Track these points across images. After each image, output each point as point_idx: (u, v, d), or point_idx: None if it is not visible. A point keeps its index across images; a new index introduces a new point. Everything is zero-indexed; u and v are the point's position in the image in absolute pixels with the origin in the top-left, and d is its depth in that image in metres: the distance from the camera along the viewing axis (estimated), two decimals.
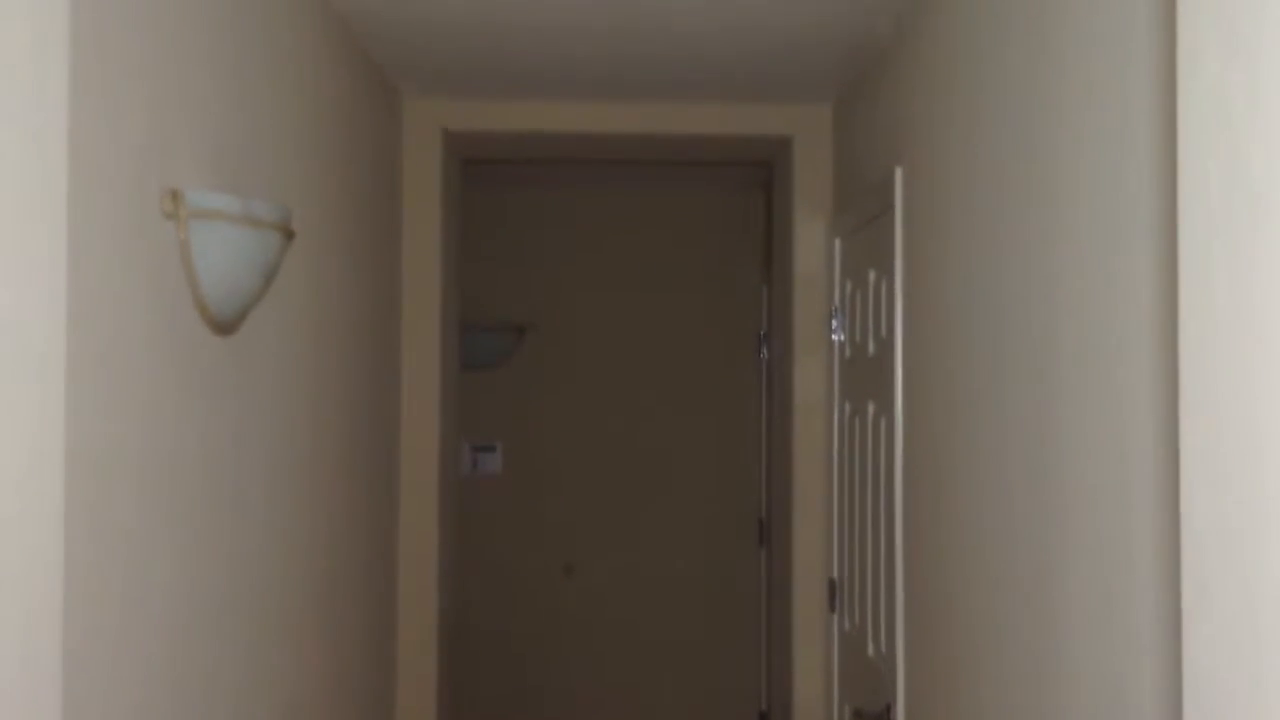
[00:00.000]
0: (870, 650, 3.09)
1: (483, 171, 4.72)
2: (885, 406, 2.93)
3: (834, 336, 3.57)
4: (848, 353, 3.45)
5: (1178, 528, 0.80)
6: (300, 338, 2.52)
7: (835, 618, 3.55)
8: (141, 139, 1.69)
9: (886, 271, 2.92)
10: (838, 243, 3.56)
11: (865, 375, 3.20)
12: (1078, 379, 1.73)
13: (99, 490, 1.56)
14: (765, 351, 5.04)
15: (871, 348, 3.13)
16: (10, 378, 1.28)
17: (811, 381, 3.72)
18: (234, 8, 2.10)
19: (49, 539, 1.39)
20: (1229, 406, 0.72)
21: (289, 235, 2.01)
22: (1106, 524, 1.62)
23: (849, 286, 3.43)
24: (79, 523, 1.48)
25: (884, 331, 2.97)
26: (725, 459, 5.40)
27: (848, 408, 3.42)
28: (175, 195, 1.76)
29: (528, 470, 5.46)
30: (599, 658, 5.43)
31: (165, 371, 1.78)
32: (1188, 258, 0.77)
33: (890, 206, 2.86)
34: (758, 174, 4.87)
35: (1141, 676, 1.51)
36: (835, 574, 3.54)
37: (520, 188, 5.42)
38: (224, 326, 1.98)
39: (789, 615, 3.78)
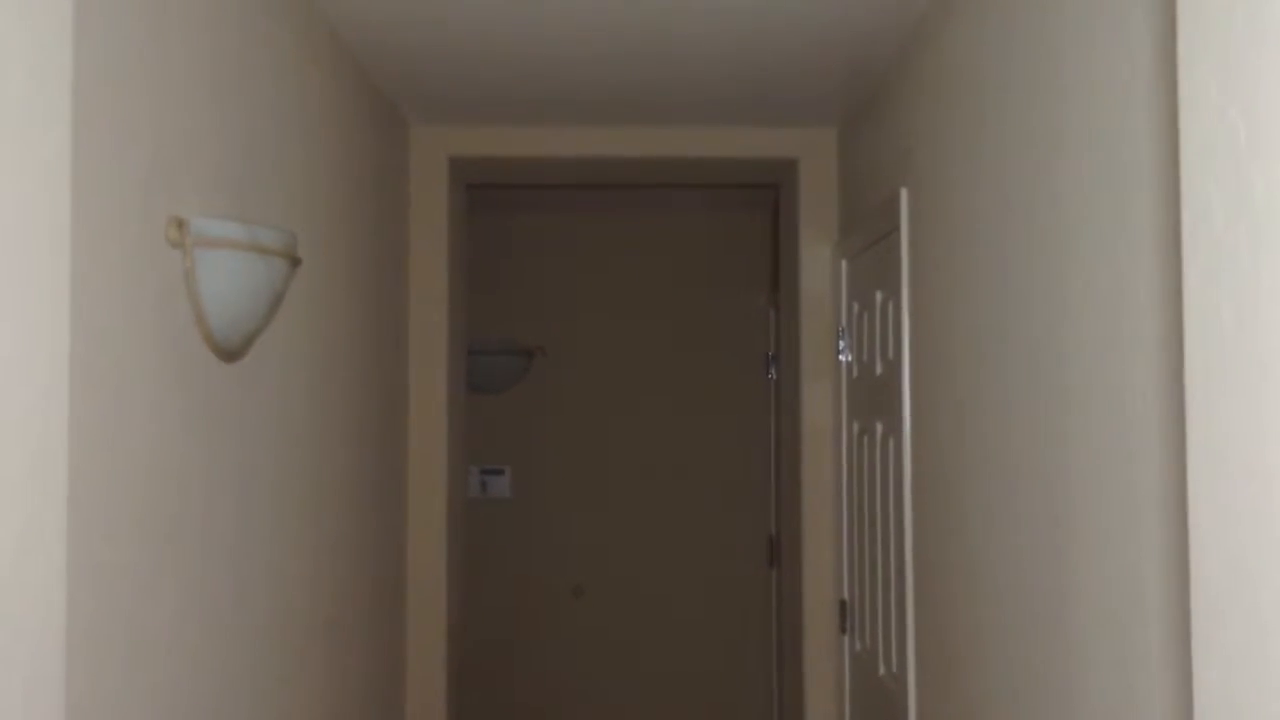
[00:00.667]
0: (881, 671, 3.08)
1: (490, 196, 4.73)
2: (893, 426, 2.92)
3: (841, 357, 3.57)
4: (855, 373, 3.45)
5: (1187, 545, 0.79)
6: (306, 363, 2.52)
7: (846, 638, 3.54)
8: (146, 168, 1.70)
9: (893, 292, 2.92)
10: (844, 264, 3.56)
11: (873, 395, 3.20)
12: (1087, 394, 1.72)
13: (103, 519, 1.56)
14: (773, 373, 5.03)
15: (879, 368, 3.13)
16: (13, 406, 1.28)
17: (819, 402, 3.72)
18: (240, 37, 2.12)
19: (52, 566, 1.39)
20: (1236, 434, 0.72)
21: (295, 262, 2.02)
22: (1118, 541, 1.61)
23: (856, 307, 3.43)
24: (83, 550, 1.48)
25: (891, 352, 2.97)
26: (734, 480, 5.39)
27: (856, 428, 3.41)
28: (180, 223, 1.76)
29: (536, 493, 5.46)
30: (609, 679, 5.41)
31: (170, 399, 1.79)
32: (1192, 285, 0.77)
33: (896, 227, 2.86)
34: (764, 196, 4.88)
35: (1153, 692, 1.50)
36: (846, 594, 3.53)
37: (528, 212, 5.43)
38: (230, 353, 1.98)
39: (799, 636, 3.77)
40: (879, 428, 3.11)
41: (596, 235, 5.49)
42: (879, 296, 3.11)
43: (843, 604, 3.55)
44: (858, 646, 3.40)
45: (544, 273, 5.48)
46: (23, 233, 1.34)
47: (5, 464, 1.29)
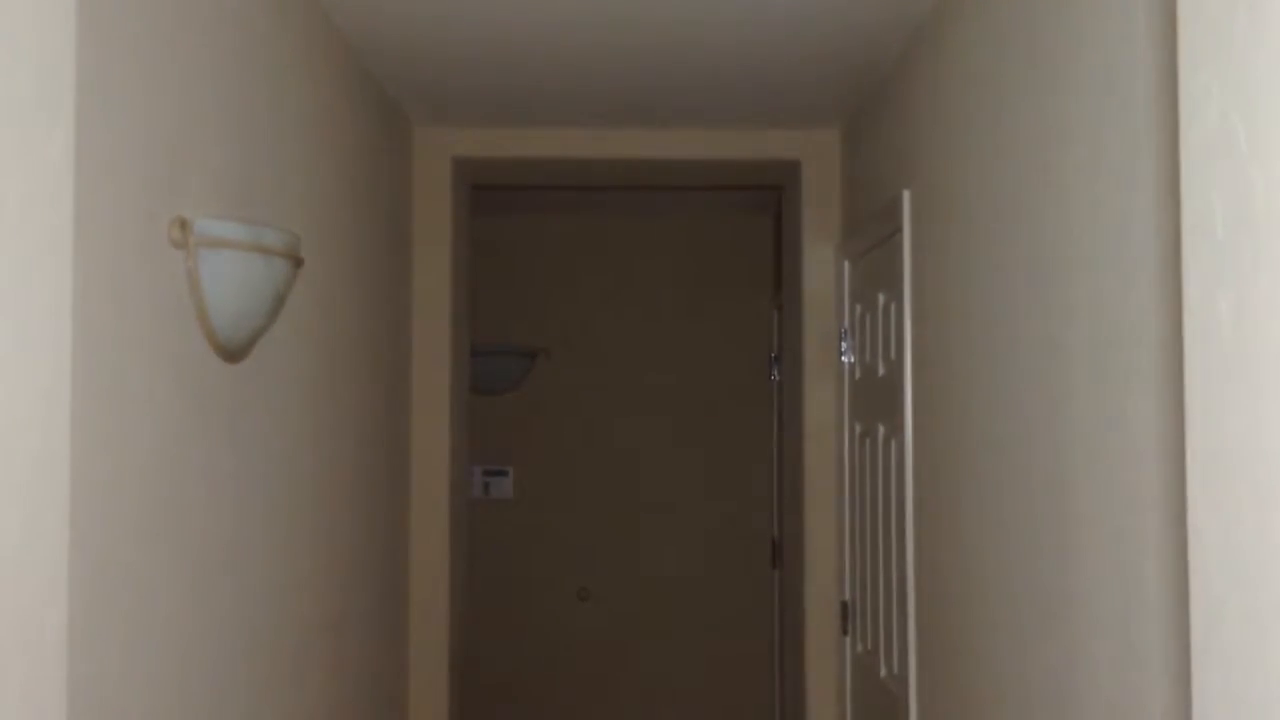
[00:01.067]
0: (883, 672, 3.08)
1: (494, 197, 4.73)
2: (895, 428, 2.92)
3: (844, 358, 3.57)
4: (857, 374, 3.45)
5: (1187, 545, 0.79)
6: (309, 364, 2.52)
7: (847, 640, 3.53)
8: (149, 168, 1.70)
9: (895, 293, 2.92)
10: (846, 265, 3.56)
11: (875, 396, 3.20)
12: (1089, 395, 1.72)
13: (105, 518, 1.56)
14: (776, 374, 5.03)
15: (881, 369, 3.13)
16: (16, 405, 1.29)
17: (822, 403, 3.72)
18: (243, 38, 2.12)
19: (54, 564, 1.39)
20: (1236, 434, 0.72)
21: (298, 263, 2.02)
22: (1119, 542, 1.61)
23: (858, 309, 3.43)
24: (85, 549, 1.49)
25: (893, 353, 2.97)
26: (737, 481, 5.39)
27: (858, 429, 3.41)
28: (183, 224, 1.76)
29: (539, 494, 5.46)
30: (612, 680, 5.41)
31: (173, 399, 1.79)
32: (1192, 285, 0.77)
33: (898, 229, 2.86)
34: (767, 198, 4.88)
35: (1153, 692, 1.49)
36: (847, 595, 3.53)
37: (531, 213, 5.43)
38: (233, 354, 1.98)
39: (801, 637, 3.77)
40: (881, 429, 3.11)
41: (600, 237, 5.49)
42: (881, 298, 3.11)
43: (844, 605, 3.55)
44: (859, 647, 3.40)
45: (547, 274, 5.49)
46: (25, 233, 1.34)
47: (7, 463, 1.29)
